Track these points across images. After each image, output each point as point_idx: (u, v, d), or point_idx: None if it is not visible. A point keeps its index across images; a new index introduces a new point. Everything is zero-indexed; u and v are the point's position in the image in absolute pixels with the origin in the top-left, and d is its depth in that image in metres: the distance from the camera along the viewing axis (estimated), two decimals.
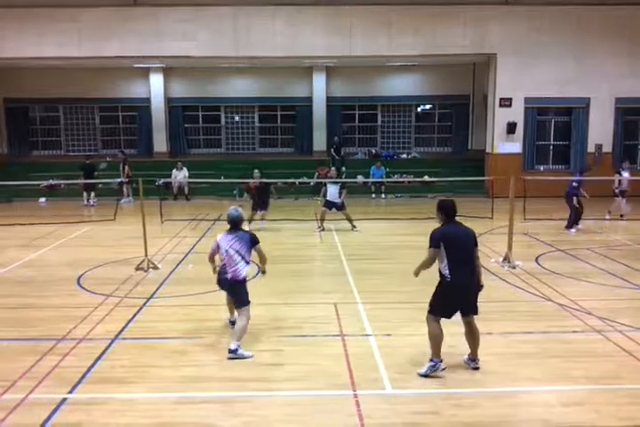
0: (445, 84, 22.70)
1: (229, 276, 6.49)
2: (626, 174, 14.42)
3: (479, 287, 5.91)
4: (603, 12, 18.21)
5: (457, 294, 5.79)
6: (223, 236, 6.61)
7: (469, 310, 5.87)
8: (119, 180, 17.62)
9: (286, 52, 18.60)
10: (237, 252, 6.46)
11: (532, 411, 5.15)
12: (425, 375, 5.75)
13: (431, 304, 5.92)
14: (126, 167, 18.63)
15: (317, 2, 18.68)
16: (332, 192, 13.47)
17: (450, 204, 5.95)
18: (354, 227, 13.48)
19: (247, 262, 6.55)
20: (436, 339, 5.82)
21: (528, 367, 5.98)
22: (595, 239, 12.38)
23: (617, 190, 14.43)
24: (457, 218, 6.00)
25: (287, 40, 18.35)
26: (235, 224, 6.61)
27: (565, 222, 13.21)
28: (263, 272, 7.06)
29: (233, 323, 6.94)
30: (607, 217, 14.35)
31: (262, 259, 6.80)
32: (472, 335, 5.93)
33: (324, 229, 13.47)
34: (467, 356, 6.03)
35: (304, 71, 22.80)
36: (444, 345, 5.83)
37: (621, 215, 14.56)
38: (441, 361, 5.80)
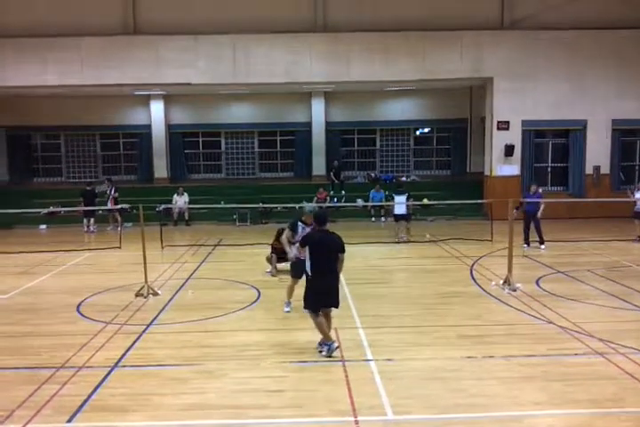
0: (443, 107, 23.00)
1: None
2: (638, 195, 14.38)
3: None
4: (594, 36, 18.55)
5: (318, 292, 6.88)
6: (303, 227, 8.43)
7: (332, 304, 6.99)
8: (120, 206, 17.56)
9: (285, 79, 18.86)
10: None
11: None
12: (329, 356, 6.83)
13: (304, 300, 7.00)
14: (116, 194, 18.66)
15: (315, 29, 19.05)
16: (400, 202, 14.93)
17: (321, 214, 7.16)
18: (409, 238, 15.04)
19: None
20: (320, 327, 6.91)
21: (531, 391, 5.93)
22: (595, 260, 12.36)
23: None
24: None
25: (286, 66, 18.64)
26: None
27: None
28: None
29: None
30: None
31: None
32: (328, 324, 7.00)
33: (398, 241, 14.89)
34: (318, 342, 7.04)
35: (303, 97, 23.09)
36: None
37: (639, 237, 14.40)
38: (334, 342, 6.93)
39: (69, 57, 18.40)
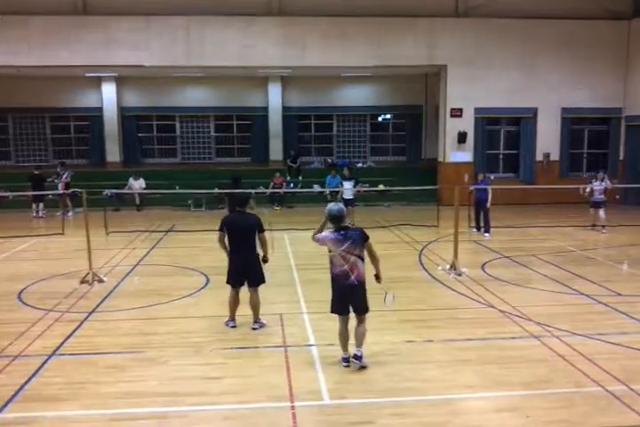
0: (399, 94, 23.08)
1: (354, 279, 6.08)
2: (597, 185, 14.18)
3: (261, 261, 7.49)
4: (547, 26, 18.83)
5: (237, 267, 7.34)
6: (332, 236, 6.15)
7: (250, 281, 7.39)
8: (71, 190, 17.13)
9: (239, 62, 18.61)
10: (355, 254, 6.08)
11: (465, 418, 5.23)
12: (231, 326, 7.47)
13: (227, 276, 7.46)
14: (68, 179, 18.21)
15: (270, 12, 18.80)
16: (348, 189, 15.35)
17: (241, 196, 7.73)
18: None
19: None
20: (230, 304, 7.50)
21: (465, 374, 6.08)
22: (540, 246, 12.69)
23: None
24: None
25: (240, 50, 18.35)
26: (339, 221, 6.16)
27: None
28: None
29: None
30: (603, 231, 14.14)
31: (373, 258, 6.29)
32: (252, 302, 7.48)
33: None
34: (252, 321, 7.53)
35: (260, 81, 22.84)
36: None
37: (601, 226, 14.31)
38: (233, 320, 7.52)
39: (17, 36, 17.71)
